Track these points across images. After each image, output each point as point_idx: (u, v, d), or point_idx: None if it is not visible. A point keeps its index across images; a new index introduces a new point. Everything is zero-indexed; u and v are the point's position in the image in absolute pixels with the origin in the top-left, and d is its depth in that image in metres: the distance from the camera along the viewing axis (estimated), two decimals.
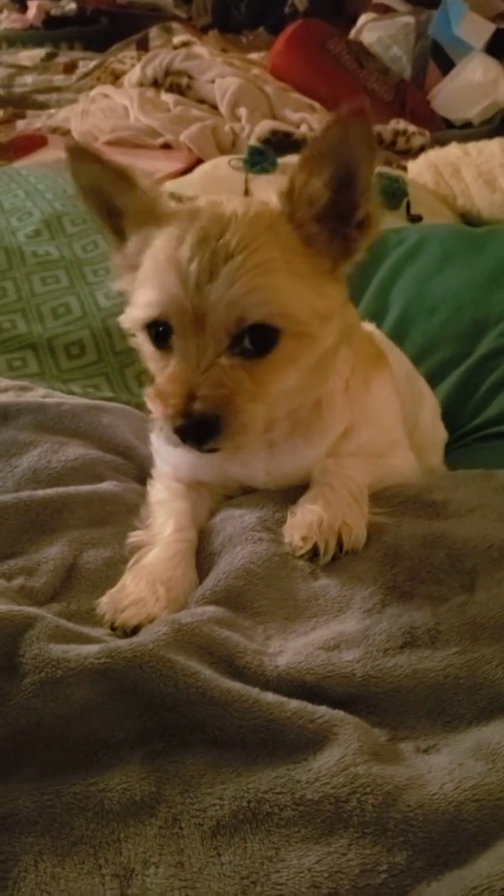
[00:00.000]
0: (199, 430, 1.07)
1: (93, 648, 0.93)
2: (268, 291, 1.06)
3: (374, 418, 1.32)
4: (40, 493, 1.28)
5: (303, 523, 1.17)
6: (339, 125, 1.06)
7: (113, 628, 1.06)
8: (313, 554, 1.14)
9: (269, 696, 0.91)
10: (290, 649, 1.01)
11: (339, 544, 1.14)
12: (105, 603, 1.10)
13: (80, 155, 1.17)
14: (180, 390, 1.06)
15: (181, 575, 1.15)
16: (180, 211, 1.14)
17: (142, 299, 1.12)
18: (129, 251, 1.18)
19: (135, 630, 1.05)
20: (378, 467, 1.30)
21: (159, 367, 1.14)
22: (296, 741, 0.88)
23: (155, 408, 1.10)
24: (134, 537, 1.23)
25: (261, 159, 2.78)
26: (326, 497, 1.19)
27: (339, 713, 0.91)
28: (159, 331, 1.12)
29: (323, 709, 0.91)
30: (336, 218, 1.12)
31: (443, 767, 0.86)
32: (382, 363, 1.39)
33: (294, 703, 0.91)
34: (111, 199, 1.18)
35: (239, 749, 0.88)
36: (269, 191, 1.15)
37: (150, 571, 1.14)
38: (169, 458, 1.34)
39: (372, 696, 0.96)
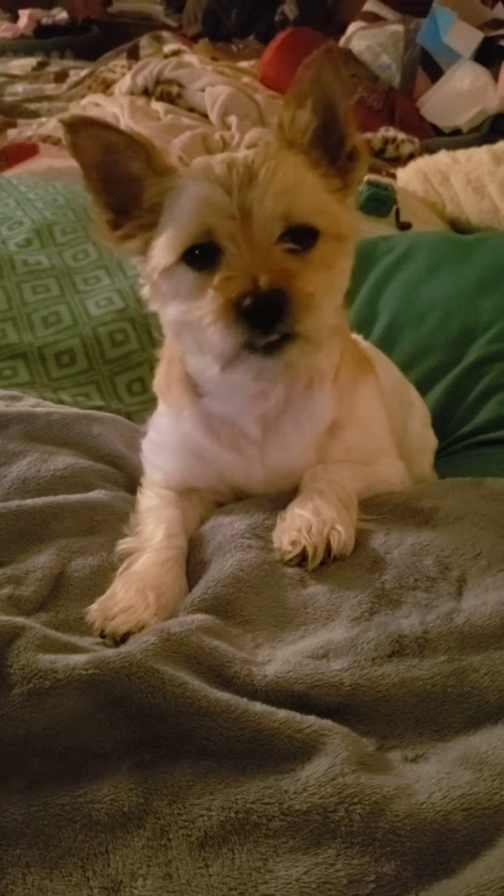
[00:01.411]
0: (269, 306, 1.05)
1: (81, 659, 0.93)
2: (305, 189, 1.14)
3: (360, 420, 1.32)
4: (29, 502, 1.28)
5: (292, 527, 1.17)
6: (310, 68, 1.15)
7: (103, 636, 1.06)
8: (302, 559, 1.14)
9: (258, 706, 0.91)
10: (279, 658, 1.01)
11: (328, 550, 1.15)
12: (95, 610, 1.10)
13: (85, 126, 1.17)
14: (243, 274, 1.07)
15: (171, 581, 1.15)
16: (196, 161, 1.21)
17: (179, 227, 1.14)
18: (147, 204, 1.19)
19: (124, 637, 1.04)
20: (367, 475, 1.30)
21: (199, 294, 1.12)
22: (284, 751, 0.88)
23: (214, 301, 1.08)
24: (123, 544, 1.23)
25: None
26: (316, 502, 1.19)
27: (328, 723, 0.91)
28: (196, 255, 1.13)
29: (311, 718, 0.91)
30: (329, 154, 1.20)
31: (431, 777, 0.86)
32: (367, 368, 1.40)
33: (282, 713, 0.91)
34: (121, 167, 1.18)
35: (227, 759, 0.88)
36: None
37: (140, 578, 1.14)
38: (163, 465, 1.34)
39: (360, 705, 0.96)
